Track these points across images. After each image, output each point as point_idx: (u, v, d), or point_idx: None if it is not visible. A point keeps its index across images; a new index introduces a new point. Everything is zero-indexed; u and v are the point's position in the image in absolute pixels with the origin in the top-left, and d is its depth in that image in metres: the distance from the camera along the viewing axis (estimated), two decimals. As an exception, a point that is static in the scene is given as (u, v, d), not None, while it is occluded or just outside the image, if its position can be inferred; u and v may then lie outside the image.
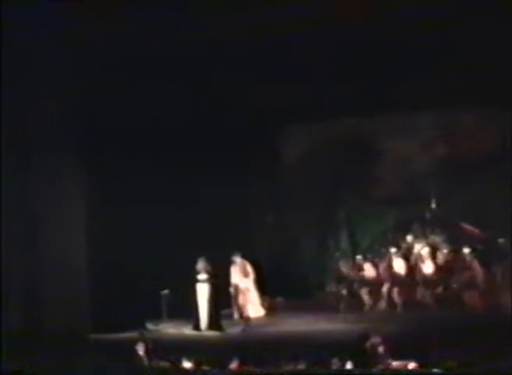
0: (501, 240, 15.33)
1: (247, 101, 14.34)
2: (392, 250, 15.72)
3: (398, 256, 15.57)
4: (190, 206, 15.27)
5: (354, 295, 15.56)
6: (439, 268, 15.34)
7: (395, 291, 15.07)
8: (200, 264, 14.14)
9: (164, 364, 10.41)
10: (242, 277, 15.31)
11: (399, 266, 15.42)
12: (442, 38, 11.84)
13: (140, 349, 10.85)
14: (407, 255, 15.87)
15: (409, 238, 16.49)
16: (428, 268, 15.31)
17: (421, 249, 15.75)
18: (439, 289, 14.98)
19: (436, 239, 16.33)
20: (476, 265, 14.60)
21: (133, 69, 12.80)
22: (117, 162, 13.83)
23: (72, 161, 13.66)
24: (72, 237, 13.58)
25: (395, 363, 9.69)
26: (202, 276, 14.12)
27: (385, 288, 15.24)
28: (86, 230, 13.72)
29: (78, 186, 13.72)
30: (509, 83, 12.94)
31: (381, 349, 10.03)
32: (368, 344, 10.20)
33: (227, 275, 15.21)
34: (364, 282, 15.55)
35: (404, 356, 9.76)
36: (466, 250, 15.06)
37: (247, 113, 15.12)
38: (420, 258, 15.56)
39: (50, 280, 13.21)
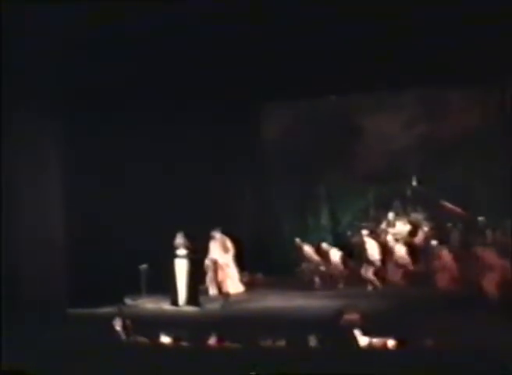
0: (480, 218, 15.59)
1: (228, 75, 14.31)
2: (364, 232, 15.92)
3: (370, 237, 15.75)
4: (169, 180, 15.37)
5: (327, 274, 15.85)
6: (415, 248, 15.59)
7: (369, 271, 15.29)
8: (179, 239, 14.22)
9: (142, 339, 10.52)
10: (221, 253, 15.40)
11: (371, 246, 15.61)
12: (429, 13, 11.83)
13: (118, 324, 10.93)
14: (380, 235, 16.12)
15: (390, 216, 16.74)
16: (402, 249, 15.57)
17: (400, 227, 16.01)
18: (413, 268, 15.25)
19: (418, 217, 16.58)
20: (445, 253, 14.79)
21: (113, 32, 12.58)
22: (93, 133, 13.81)
23: (48, 133, 13.59)
24: (49, 210, 13.58)
25: (374, 340, 9.81)
26: (181, 251, 14.20)
27: (363, 270, 15.47)
28: (63, 204, 13.73)
29: (54, 158, 13.67)
30: (496, 61, 13.01)
31: (358, 326, 10.20)
32: (343, 321, 10.39)
33: (206, 250, 15.36)
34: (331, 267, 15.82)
35: (382, 333, 9.91)
36: (434, 242, 15.29)
37: (229, 86, 15.10)
38: (396, 238, 15.84)
39: (26, 254, 13.23)
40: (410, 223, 16.43)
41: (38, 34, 12.25)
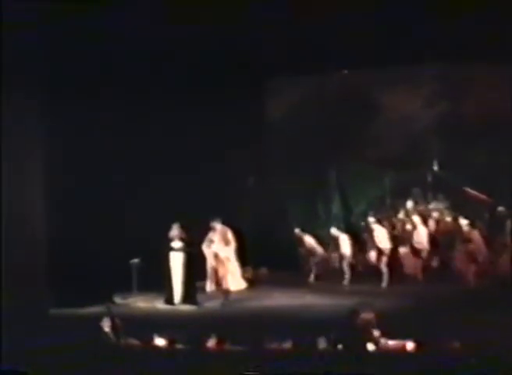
0: (500, 208, 15.63)
1: (229, 50, 14.30)
2: (371, 219, 15.96)
3: (378, 224, 15.79)
4: (164, 165, 15.37)
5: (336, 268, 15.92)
6: (435, 237, 15.64)
7: (382, 262, 15.33)
8: (175, 230, 14.24)
9: (133, 342, 10.57)
10: (222, 246, 15.44)
11: (380, 234, 15.63)
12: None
13: (106, 325, 10.94)
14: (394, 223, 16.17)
15: (409, 204, 16.77)
16: (421, 237, 15.59)
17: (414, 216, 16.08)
18: (434, 261, 15.29)
19: (439, 205, 16.59)
20: (476, 236, 14.83)
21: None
22: (80, 120, 13.87)
23: (32, 128, 13.67)
24: (30, 199, 13.59)
25: (391, 343, 9.84)
26: (176, 243, 14.23)
27: (373, 258, 15.52)
28: (44, 191, 13.74)
29: (37, 146, 13.70)
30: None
31: (374, 326, 10.22)
32: (358, 321, 10.42)
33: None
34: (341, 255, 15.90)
35: (400, 335, 9.95)
36: (464, 221, 15.34)
37: (228, 63, 15.07)
38: (413, 225, 15.87)
39: (6, 248, 13.25)
40: (430, 211, 16.46)
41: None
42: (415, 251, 15.54)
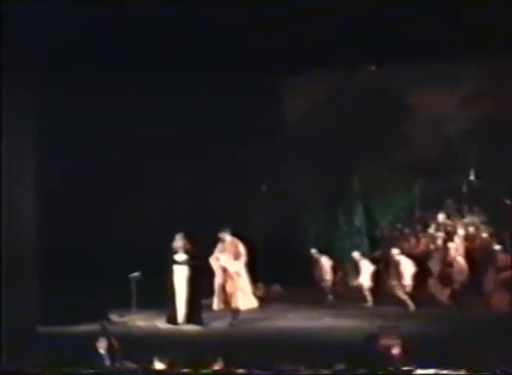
0: None
1: (242, 46, 14.35)
2: (395, 251, 15.64)
3: (403, 256, 15.52)
4: (168, 169, 15.38)
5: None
6: (469, 259, 15.50)
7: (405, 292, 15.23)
8: (178, 241, 14.23)
9: (131, 365, 10.54)
10: (231, 259, 15.46)
11: (407, 268, 15.38)
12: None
13: (102, 346, 10.94)
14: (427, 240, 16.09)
15: (440, 217, 16.64)
16: (453, 256, 15.46)
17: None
18: (467, 285, 15.16)
19: (474, 220, 16.47)
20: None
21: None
22: (79, 128, 13.97)
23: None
24: (21, 207, 13.59)
25: (418, 372, 9.81)
26: (180, 256, 14.22)
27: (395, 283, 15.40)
28: (37, 198, 13.72)
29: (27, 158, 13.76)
30: None
31: (397, 352, 10.18)
32: (380, 346, 10.37)
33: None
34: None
35: (425, 362, 9.88)
36: (497, 246, 15.20)
37: (241, 59, 15.12)
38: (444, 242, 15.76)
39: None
40: (465, 226, 16.38)
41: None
42: (444, 277, 15.37)
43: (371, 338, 10.81)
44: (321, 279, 16.29)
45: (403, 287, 15.21)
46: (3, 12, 12.42)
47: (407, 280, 15.24)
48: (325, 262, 16.33)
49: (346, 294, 16.10)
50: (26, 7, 12.42)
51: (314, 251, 16.58)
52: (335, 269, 16.38)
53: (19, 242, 13.41)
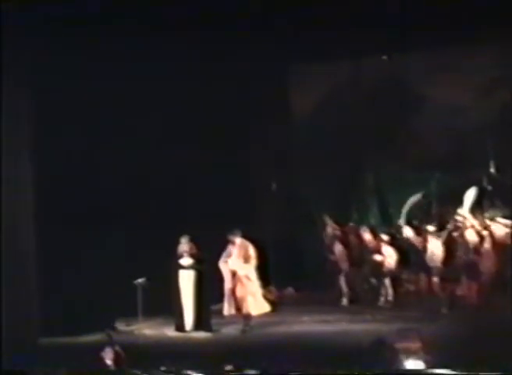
0: None
1: (248, 38, 14.35)
2: (430, 227, 15.68)
3: (435, 236, 15.52)
4: (173, 168, 15.37)
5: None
6: (495, 255, 15.41)
7: (434, 282, 15.12)
8: (184, 245, 14.22)
9: (137, 375, 10.55)
10: (241, 262, 15.40)
11: (436, 248, 15.38)
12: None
13: (108, 356, 10.92)
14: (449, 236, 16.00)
15: (460, 213, 16.54)
16: (481, 255, 15.37)
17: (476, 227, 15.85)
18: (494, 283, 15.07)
19: (496, 214, 16.40)
20: None
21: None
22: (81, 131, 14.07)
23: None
24: (21, 213, 13.63)
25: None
26: (186, 260, 14.21)
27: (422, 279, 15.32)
28: (36, 202, 13.74)
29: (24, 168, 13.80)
30: None
31: (420, 357, 10.13)
32: (399, 350, 10.32)
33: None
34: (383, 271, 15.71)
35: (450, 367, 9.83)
36: None
37: (248, 51, 15.11)
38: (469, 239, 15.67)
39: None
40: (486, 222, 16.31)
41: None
42: (471, 275, 15.28)
43: (389, 341, 10.75)
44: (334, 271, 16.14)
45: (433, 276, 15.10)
46: (3, 11, 12.50)
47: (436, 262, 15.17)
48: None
49: (365, 292, 16.07)
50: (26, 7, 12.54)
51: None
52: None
53: (17, 249, 13.45)
